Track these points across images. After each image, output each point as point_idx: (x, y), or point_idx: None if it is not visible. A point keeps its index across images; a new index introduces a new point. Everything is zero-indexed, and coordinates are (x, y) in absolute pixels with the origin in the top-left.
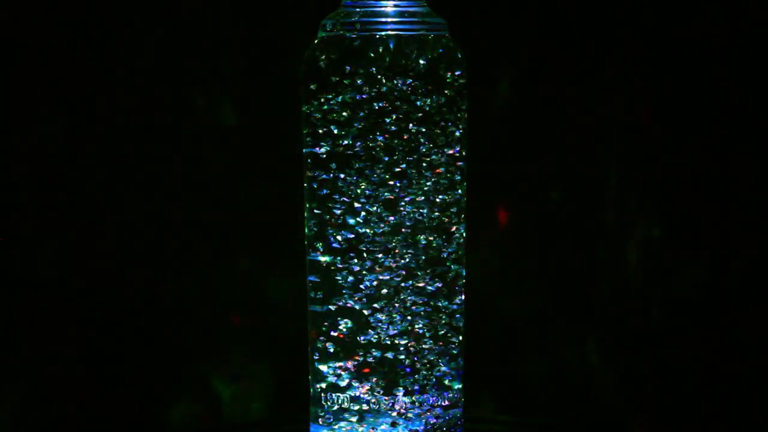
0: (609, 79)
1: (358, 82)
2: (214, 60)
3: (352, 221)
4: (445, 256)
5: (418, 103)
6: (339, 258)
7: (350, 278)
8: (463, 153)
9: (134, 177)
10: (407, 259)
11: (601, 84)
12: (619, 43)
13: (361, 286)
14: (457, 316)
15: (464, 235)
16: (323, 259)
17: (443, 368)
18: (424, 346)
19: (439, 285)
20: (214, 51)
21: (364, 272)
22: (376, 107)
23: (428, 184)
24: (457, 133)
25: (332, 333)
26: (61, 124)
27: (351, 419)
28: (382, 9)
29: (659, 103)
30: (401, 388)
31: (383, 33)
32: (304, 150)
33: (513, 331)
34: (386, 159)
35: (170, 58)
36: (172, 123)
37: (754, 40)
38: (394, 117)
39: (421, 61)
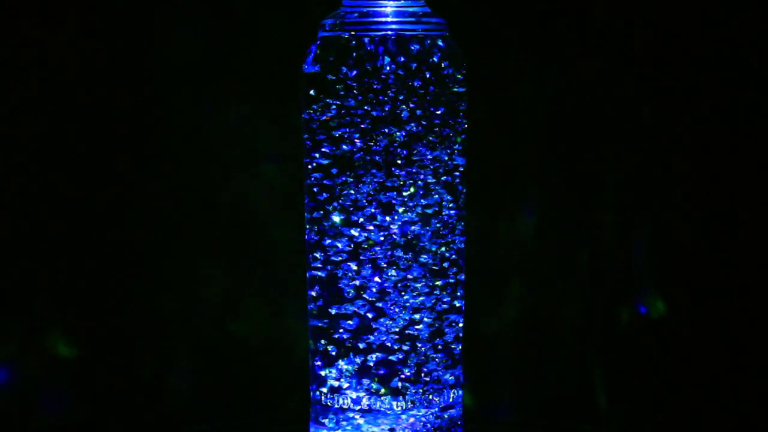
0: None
1: (355, 84)
2: (213, 60)
3: (351, 230)
4: (447, 265)
5: (418, 113)
6: (339, 264)
7: (351, 284)
8: (463, 156)
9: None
10: (408, 266)
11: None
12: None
13: (365, 295)
14: (460, 322)
15: (464, 240)
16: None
17: (442, 372)
18: (423, 349)
19: (439, 289)
20: (212, 51)
21: (365, 278)
22: (374, 113)
23: (428, 187)
24: (459, 137)
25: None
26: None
27: (354, 420)
28: (382, 9)
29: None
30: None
31: (382, 33)
32: (305, 159)
33: (512, 336)
34: (384, 164)
35: (168, 58)
36: (172, 123)
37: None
38: (392, 120)
39: (422, 66)
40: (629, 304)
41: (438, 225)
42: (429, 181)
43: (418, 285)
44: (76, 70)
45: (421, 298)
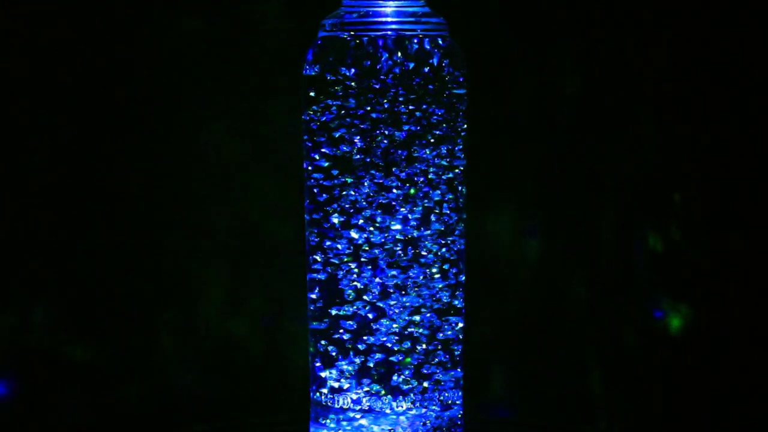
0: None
1: (355, 85)
2: (212, 60)
3: (351, 231)
4: (447, 267)
5: (418, 113)
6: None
7: (352, 286)
8: (463, 156)
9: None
10: (408, 266)
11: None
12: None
13: (366, 297)
14: (460, 322)
15: (464, 240)
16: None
17: (442, 373)
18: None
19: (439, 289)
20: (212, 51)
21: (366, 279)
22: (374, 115)
23: (427, 188)
24: (459, 138)
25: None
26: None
27: (353, 420)
28: (382, 9)
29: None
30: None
31: (382, 33)
32: (304, 161)
33: (514, 335)
34: (384, 165)
35: (167, 58)
36: (172, 123)
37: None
38: (392, 120)
39: (422, 66)
40: (630, 304)
41: (438, 225)
42: (430, 178)
43: (419, 285)
44: (75, 70)
45: (419, 299)
